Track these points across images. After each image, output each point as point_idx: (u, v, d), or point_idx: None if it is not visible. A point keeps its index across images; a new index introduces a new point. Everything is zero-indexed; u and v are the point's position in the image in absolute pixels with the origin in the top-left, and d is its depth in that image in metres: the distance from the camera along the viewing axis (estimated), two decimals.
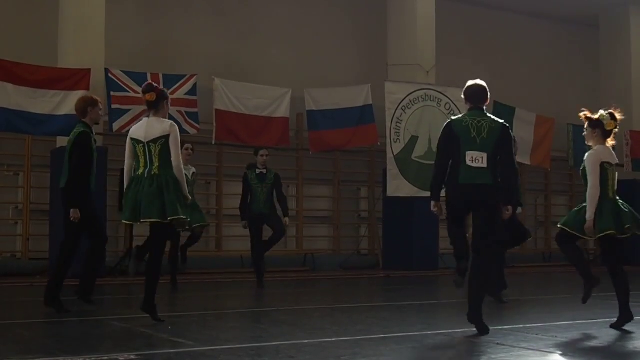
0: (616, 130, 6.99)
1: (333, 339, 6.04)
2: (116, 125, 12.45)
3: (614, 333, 6.59)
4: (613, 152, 7.02)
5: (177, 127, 6.94)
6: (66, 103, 11.96)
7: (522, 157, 15.83)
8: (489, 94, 6.58)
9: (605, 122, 6.88)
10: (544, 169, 17.86)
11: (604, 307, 7.88)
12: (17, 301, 9.63)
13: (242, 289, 11.32)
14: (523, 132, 15.83)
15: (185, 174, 9.99)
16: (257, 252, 10.85)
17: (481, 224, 6.36)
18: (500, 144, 6.32)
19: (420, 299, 10.12)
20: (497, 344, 5.86)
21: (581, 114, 7.06)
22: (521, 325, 6.94)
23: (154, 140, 6.79)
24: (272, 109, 14.22)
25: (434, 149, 15.55)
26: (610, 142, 6.96)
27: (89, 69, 12.25)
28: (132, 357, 5.05)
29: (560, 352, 5.65)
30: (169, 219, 6.67)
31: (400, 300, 9.89)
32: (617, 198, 6.95)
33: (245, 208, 10.96)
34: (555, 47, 19.76)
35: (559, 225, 7.17)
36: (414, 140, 14.96)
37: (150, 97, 6.92)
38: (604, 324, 6.89)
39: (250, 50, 15.60)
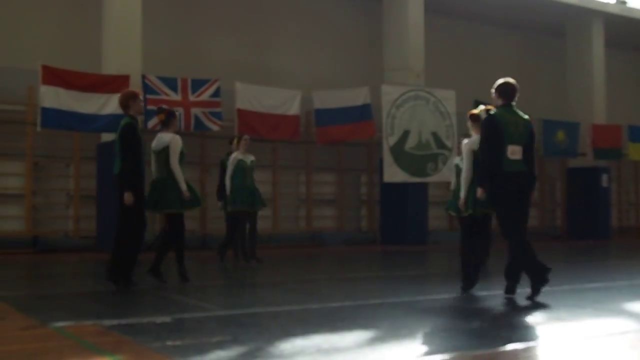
0: None
1: (338, 304, 6.06)
2: (150, 124, 12.43)
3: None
4: None
5: (177, 139, 7.32)
6: (109, 104, 11.97)
7: None
8: (518, 91, 6.31)
9: (481, 117, 6.77)
10: None
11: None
12: (69, 273, 9.69)
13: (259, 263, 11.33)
14: None
15: (245, 161, 10.07)
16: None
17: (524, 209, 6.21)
18: (531, 138, 6.23)
19: (412, 270, 10.14)
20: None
21: (470, 112, 6.96)
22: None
23: (161, 151, 7.31)
24: (285, 108, 14.24)
25: (423, 141, 15.55)
26: None
27: (128, 75, 12.25)
28: (167, 320, 5.07)
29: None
30: (163, 210, 7.38)
31: (395, 271, 9.90)
32: None
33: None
34: (526, 53, 19.65)
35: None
36: (406, 134, 14.98)
37: (160, 117, 7.42)
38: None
39: (266, 58, 15.59)
